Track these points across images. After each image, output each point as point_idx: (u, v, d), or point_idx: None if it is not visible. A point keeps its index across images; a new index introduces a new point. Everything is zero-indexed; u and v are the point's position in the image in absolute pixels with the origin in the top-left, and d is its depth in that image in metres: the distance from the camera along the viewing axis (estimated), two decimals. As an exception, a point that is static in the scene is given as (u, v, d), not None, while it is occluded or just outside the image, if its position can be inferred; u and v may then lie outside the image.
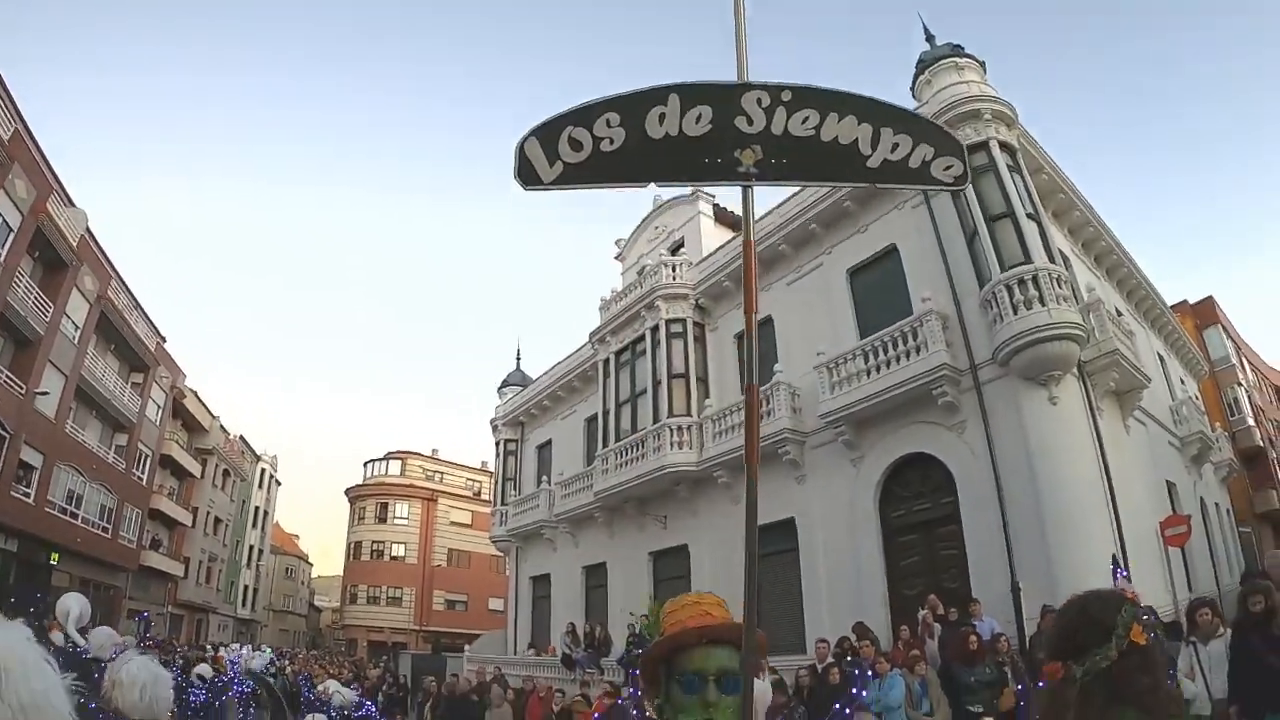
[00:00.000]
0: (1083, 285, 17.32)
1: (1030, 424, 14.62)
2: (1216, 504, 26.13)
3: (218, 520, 51.32)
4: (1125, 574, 4.34)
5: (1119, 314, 19.58)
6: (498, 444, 30.87)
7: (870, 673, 10.17)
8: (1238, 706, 7.49)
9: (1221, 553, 23.38)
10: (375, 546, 56.82)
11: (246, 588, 57.31)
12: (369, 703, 11.57)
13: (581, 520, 24.14)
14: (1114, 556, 4.69)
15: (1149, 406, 20.46)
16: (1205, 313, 37.21)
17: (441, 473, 60.20)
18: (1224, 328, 37.72)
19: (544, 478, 26.95)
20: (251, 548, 58.44)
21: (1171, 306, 27.64)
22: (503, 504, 29.49)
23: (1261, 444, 35.19)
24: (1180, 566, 17.85)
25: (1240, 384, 36.08)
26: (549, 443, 28.17)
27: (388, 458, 60.15)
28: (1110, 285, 21.21)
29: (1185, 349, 28.63)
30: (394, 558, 56.08)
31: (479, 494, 56.79)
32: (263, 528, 61.37)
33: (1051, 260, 15.08)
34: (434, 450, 61.78)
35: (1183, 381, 27.13)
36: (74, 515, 32.00)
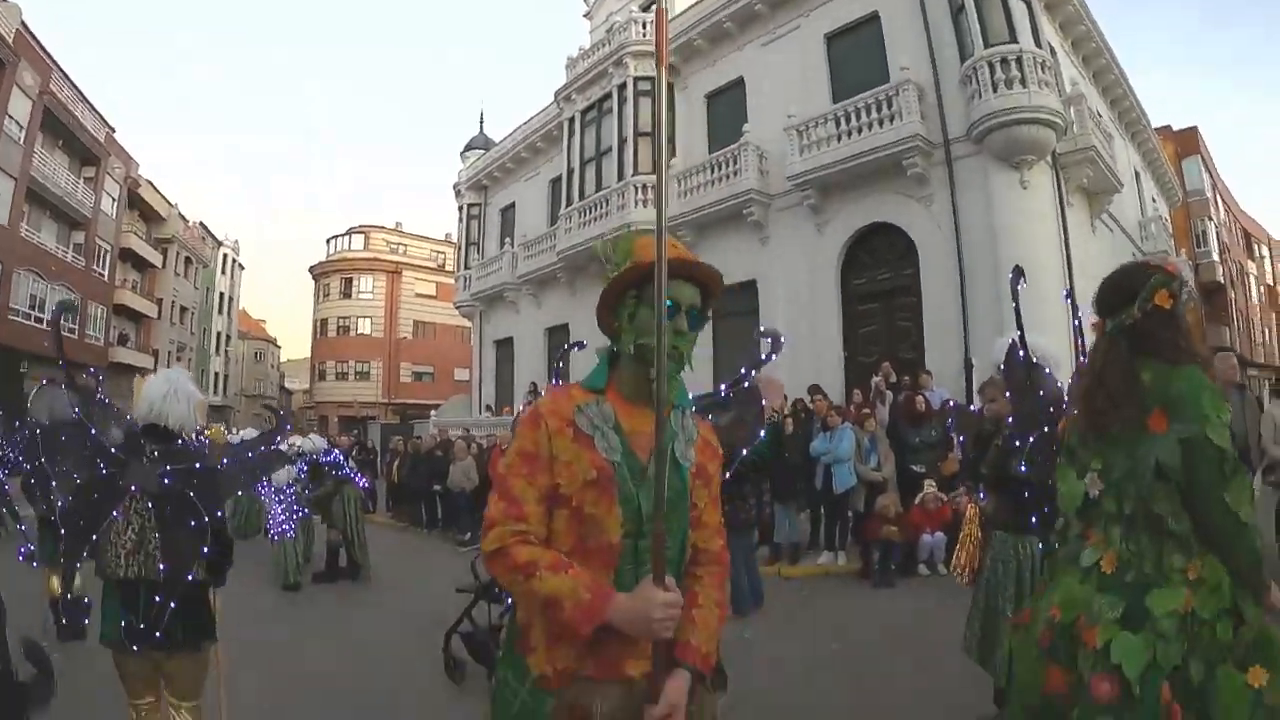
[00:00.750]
0: (1067, 80, 16.90)
1: (998, 205, 14.54)
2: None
3: (183, 309, 50.53)
4: (1077, 317, 4.27)
5: (1099, 116, 19.18)
6: (461, 209, 30.21)
7: (822, 426, 10.36)
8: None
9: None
10: (341, 322, 56.43)
11: (217, 375, 57.20)
12: (337, 451, 11.64)
13: (545, 281, 24.06)
14: (1066, 290, 4.62)
15: (1118, 214, 20.43)
16: (1187, 142, 36.76)
17: (405, 245, 59.31)
18: (1204, 160, 37.42)
19: (507, 240, 26.66)
20: (219, 334, 57.86)
21: (1155, 129, 27.19)
22: (465, 269, 29.21)
23: (1222, 281, 35.59)
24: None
25: (1211, 219, 36.16)
26: (512, 206, 27.63)
27: (350, 233, 58.97)
28: (1095, 90, 20.64)
29: (1162, 172, 28.32)
30: (360, 333, 55.84)
31: (443, 266, 55.94)
32: (229, 314, 60.53)
33: (1038, 46, 14.64)
34: (397, 223, 60.75)
35: (1154, 201, 26.99)
36: (39, 320, 31.25)
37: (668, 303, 1.94)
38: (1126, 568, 2.39)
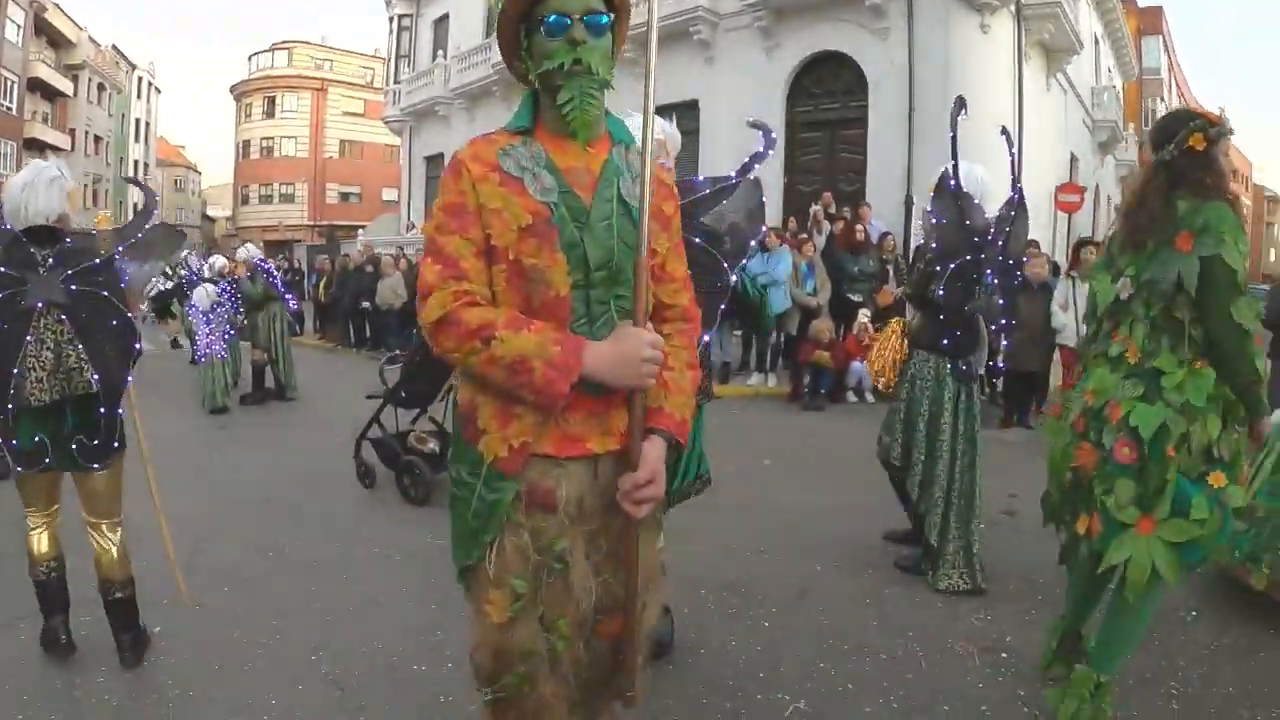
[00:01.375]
0: (1043, -68, 16.41)
1: (955, 46, 14.25)
2: (1109, 197, 26.82)
3: (97, 139, 47.91)
4: (1013, 151, 4.68)
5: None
6: (391, 20, 28.70)
7: (760, 247, 10.13)
8: None
9: (1101, 236, 24.23)
10: (265, 143, 54.38)
11: (135, 205, 54.66)
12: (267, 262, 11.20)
13: (478, 95, 23.06)
14: (1003, 127, 4.67)
15: (1073, 77, 20.37)
16: (1151, 19, 36.49)
17: (331, 61, 56.30)
18: (1165, 40, 37.33)
19: (440, 53, 25.42)
20: (137, 164, 54.58)
21: (1121, 1, 26.84)
22: (395, 83, 27.99)
23: (1164, 161, 35.89)
24: (1064, 233, 18.37)
25: (1163, 99, 36.24)
26: (446, 17, 26.03)
27: (273, 49, 56.02)
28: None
29: (1122, 45, 28.16)
30: (284, 154, 53.84)
31: (372, 82, 53.55)
32: (146, 141, 57.16)
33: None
34: (323, 38, 57.66)
35: (1110, 71, 26.87)
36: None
37: (550, 16, 1.75)
38: (1148, 358, 2.83)
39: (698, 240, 3.01)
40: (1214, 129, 2.86)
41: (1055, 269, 9.94)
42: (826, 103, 15.88)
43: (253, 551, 4.88)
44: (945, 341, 4.41)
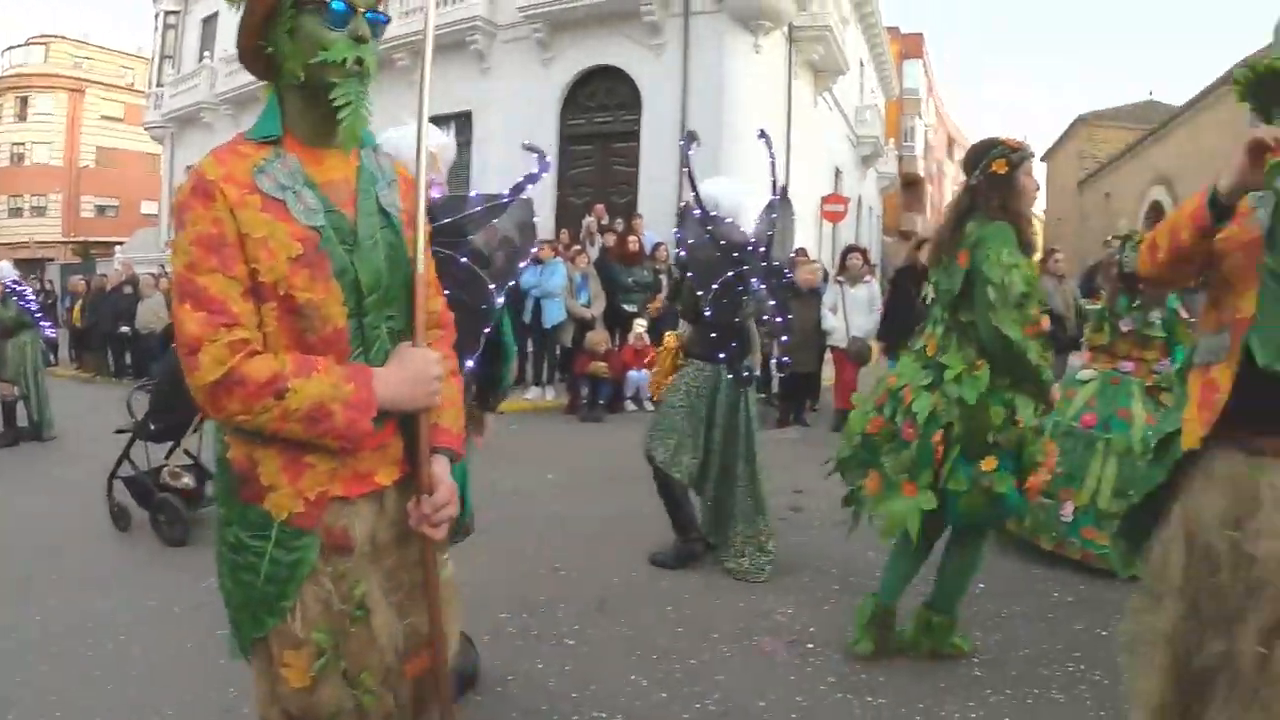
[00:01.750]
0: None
1: (729, 64, 14.79)
2: (870, 208, 28.63)
3: None
4: (771, 155, 4.97)
5: (840, 2, 19.90)
6: (157, 16, 26.78)
7: (533, 260, 10.06)
8: (886, 344, 8.33)
9: (864, 244, 25.64)
10: (15, 150, 49.48)
11: None
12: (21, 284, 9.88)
13: (246, 101, 21.66)
14: (761, 130, 4.94)
15: (839, 96, 21.49)
16: (912, 45, 39.28)
17: (91, 59, 52.47)
18: (924, 65, 40.28)
19: (207, 54, 24.03)
20: None
21: (886, 27, 28.70)
22: (158, 85, 26.18)
23: (922, 175, 38.97)
24: (829, 242, 19.34)
25: (920, 117, 39.07)
26: (215, 16, 24.46)
27: (29, 43, 51.62)
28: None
29: (885, 67, 30.07)
30: (37, 162, 49.30)
31: (133, 85, 50.20)
32: None
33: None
34: (85, 34, 53.59)
35: (873, 91, 28.65)
36: None
37: (336, 4, 1.55)
38: (940, 353, 3.35)
39: (465, 260, 2.95)
40: (1015, 154, 3.28)
41: (825, 275, 10.49)
42: (600, 116, 16.13)
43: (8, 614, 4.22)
44: (721, 355, 4.64)
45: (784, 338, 4.90)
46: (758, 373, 4.99)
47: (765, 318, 4.73)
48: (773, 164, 4.89)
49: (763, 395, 10.13)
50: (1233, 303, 2.12)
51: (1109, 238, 10.68)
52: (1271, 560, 1.95)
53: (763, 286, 4.67)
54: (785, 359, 6.04)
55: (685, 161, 4.77)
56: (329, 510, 1.60)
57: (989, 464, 3.18)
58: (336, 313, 1.58)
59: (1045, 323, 3.33)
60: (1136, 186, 26.91)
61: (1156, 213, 24.40)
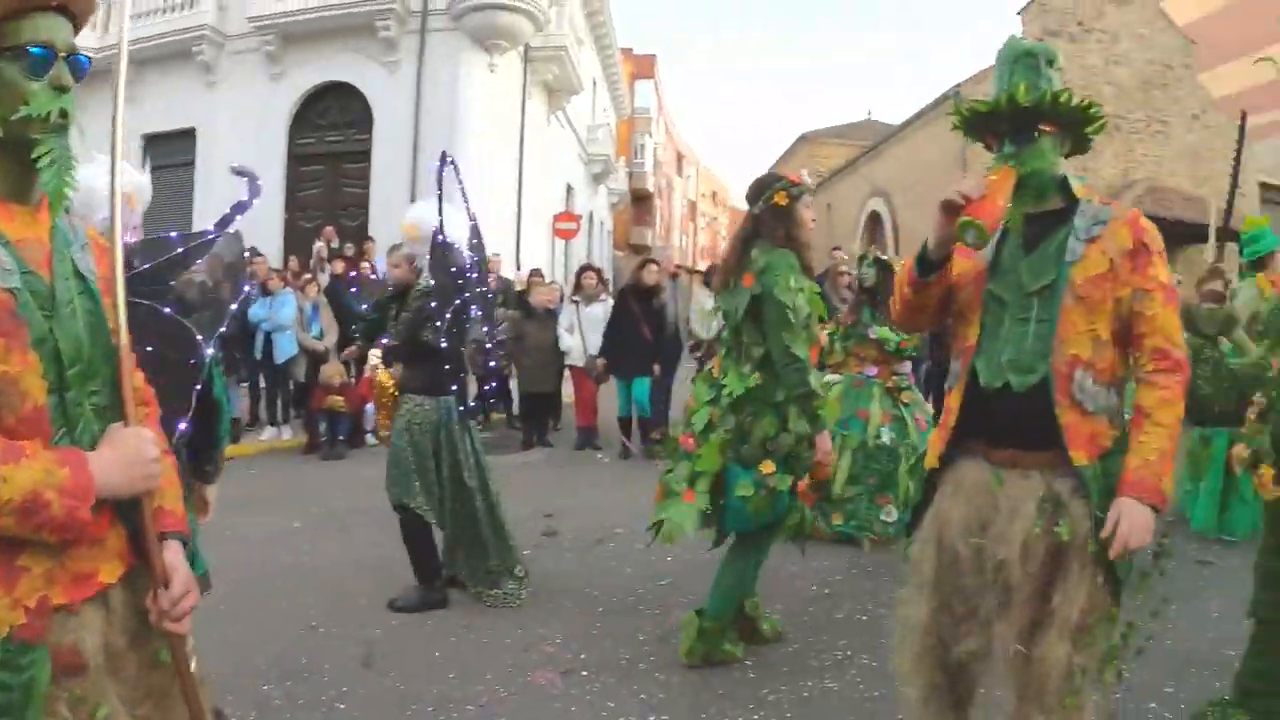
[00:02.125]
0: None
1: (464, 83, 14.85)
2: (602, 223, 29.47)
3: None
4: (460, 180, 4.77)
5: (575, 23, 20.33)
6: None
7: (262, 291, 9.49)
8: (605, 361, 8.59)
9: (596, 260, 26.35)
10: None
11: None
12: None
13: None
14: (444, 152, 4.88)
15: (572, 115, 21.98)
16: (645, 66, 40.67)
17: None
18: (656, 86, 41.79)
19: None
20: None
21: (620, 48, 29.62)
22: None
23: (652, 190, 40.42)
24: (562, 259, 19.82)
25: (650, 135, 40.48)
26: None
27: None
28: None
29: (618, 86, 31.03)
30: None
31: None
32: None
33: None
34: None
35: (606, 110, 29.46)
36: None
37: (35, 48, 1.37)
38: (723, 373, 3.69)
39: (168, 310, 2.52)
40: (795, 188, 3.68)
41: (561, 295, 10.39)
42: (331, 135, 15.70)
43: None
44: (454, 387, 4.62)
45: (494, 363, 5.06)
46: (473, 402, 4.97)
47: (488, 346, 4.89)
48: (463, 191, 4.79)
49: (504, 419, 10.33)
50: (964, 331, 2.36)
51: (835, 248, 11.50)
52: (1013, 566, 2.14)
53: (480, 312, 4.78)
54: (495, 385, 5.99)
55: (439, 185, 4.68)
56: (53, 624, 1.37)
57: (767, 467, 3.49)
58: (36, 387, 1.37)
59: (824, 339, 3.82)
60: (856, 199, 28.88)
61: (875, 222, 26.53)
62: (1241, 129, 3.51)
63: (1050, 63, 2.28)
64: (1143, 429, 2.11)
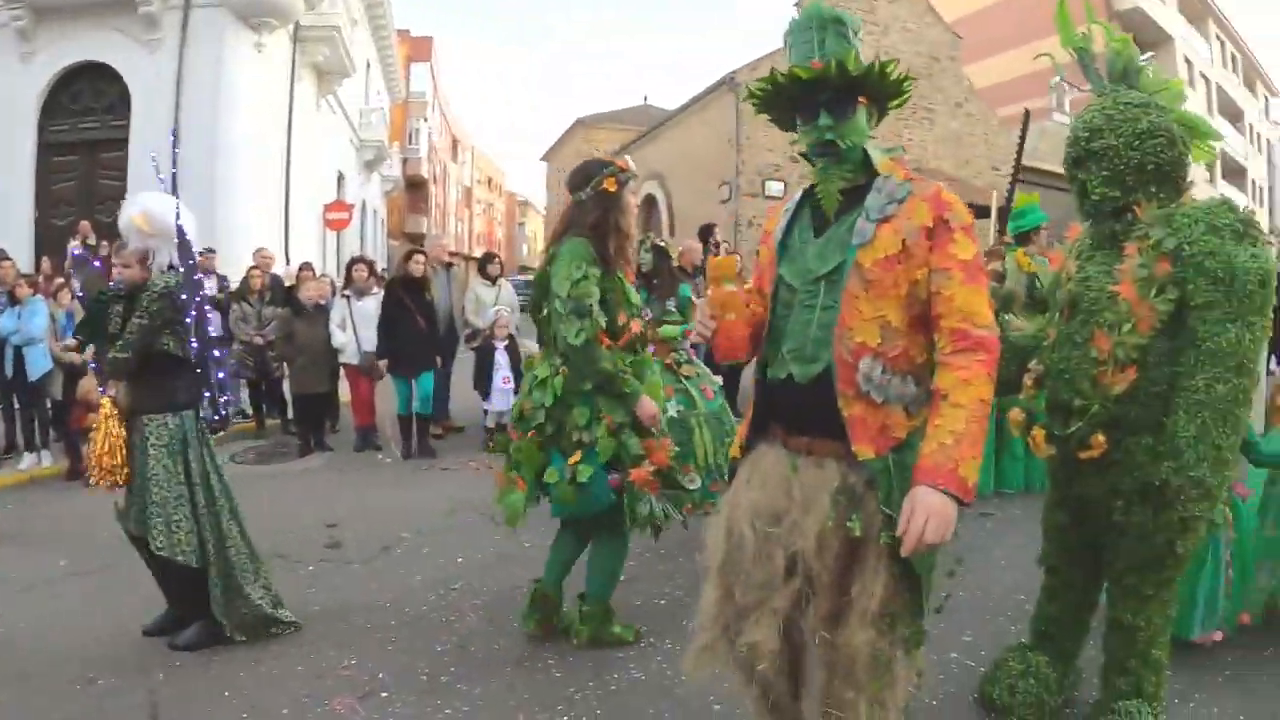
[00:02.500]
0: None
1: (230, 64, 14.32)
2: (375, 211, 28.82)
3: None
4: (163, 181, 4.40)
5: (348, 4, 19.86)
6: None
7: (10, 300, 8.38)
8: (387, 360, 8.38)
9: (370, 251, 25.81)
10: None
11: None
12: None
13: None
14: (173, 131, 4.37)
15: (344, 98, 21.44)
16: (421, 49, 40.25)
17: None
18: (432, 69, 41.20)
19: None
20: None
21: (397, 30, 29.03)
22: None
23: (426, 177, 39.86)
24: (334, 251, 19.34)
25: (426, 120, 39.92)
26: None
27: None
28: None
29: (392, 69, 30.40)
30: None
31: None
32: None
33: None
34: None
35: (379, 94, 28.82)
36: None
37: None
38: (540, 364, 3.80)
39: None
40: (623, 174, 3.73)
41: (333, 289, 10.00)
42: (86, 121, 14.59)
43: None
44: (207, 394, 4.23)
45: (222, 372, 4.44)
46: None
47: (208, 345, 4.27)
48: (174, 183, 4.40)
49: (279, 424, 9.95)
50: (763, 319, 2.34)
51: None
52: (810, 557, 2.10)
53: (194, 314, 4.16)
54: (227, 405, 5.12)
55: (173, 164, 4.37)
56: None
57: (575, 458, 3.58)
58: None
59: (636, 326, 3.79)
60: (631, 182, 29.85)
61: (650, 205, 27.11)
62: (1025, 122, 3.81)
63: (856, 32, 2.20)
64: (939, 412, 2.02)
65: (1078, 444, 2.84)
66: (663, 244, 7.04)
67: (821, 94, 2.15)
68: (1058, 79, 3.40)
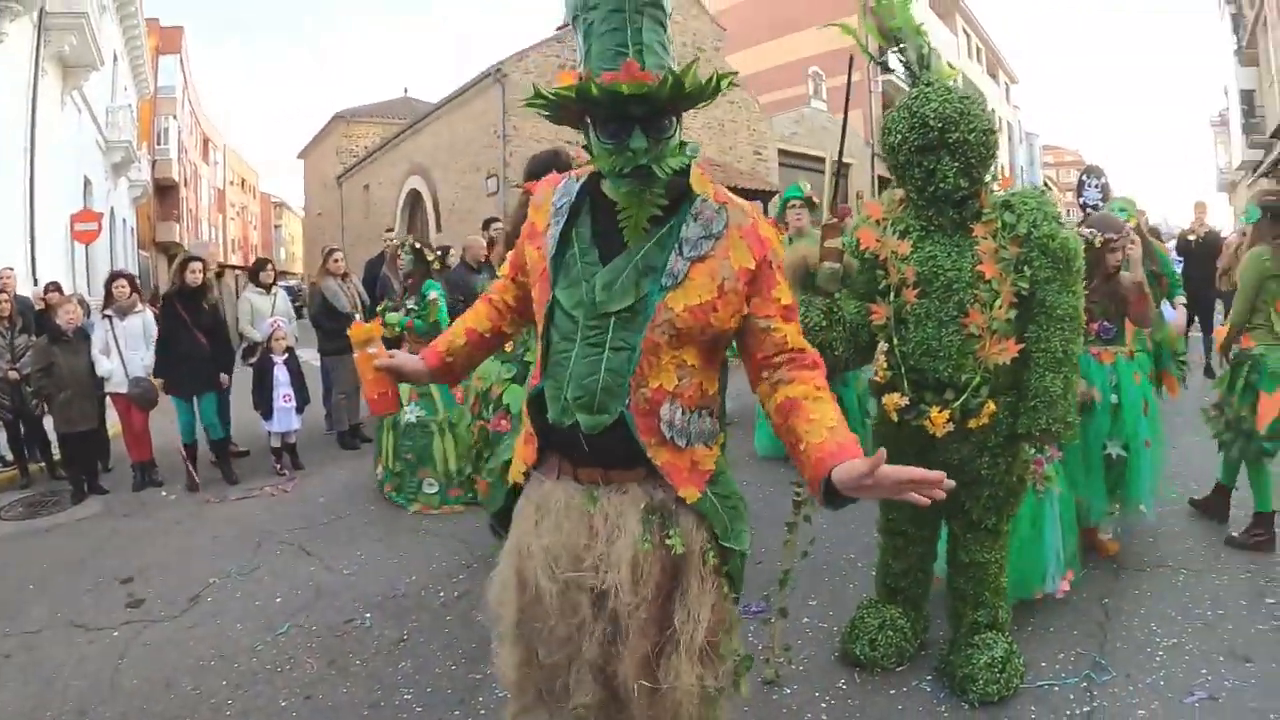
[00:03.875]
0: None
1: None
2: (125, 220, 27.02)
3: None
4: None
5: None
6: None
7: None
8: (164, 381, 7.82)
9: (121, 264, 24.12)
10: None
11: None
12: None
13: None
14: None
15: (90, 95, 20.05)
16: (172, 39, 37.95)
17: None
18: (182, 61, 38.96)
19: None
20: None
21: (147, 18, 27.37)
22: None
23: (177, 180, 37.52)
24: (83, 262, 18.03)
25: (175, 118, 37.65)
26: None
27: None
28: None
29: (140, 63, 28.62)
30: None
31: None
32: None
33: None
34: None
35: (126, 90, 27.06)
36: None
37: None
38: (524, 348, 4.19)
39: None
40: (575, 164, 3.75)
41: (88, 310, 9.20)
42: None
43: None
44: None
45: None
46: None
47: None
48: None
49: (42, 468, 8.81)
50: (499, 328, 2.35)
51: (388, 230, 11.57)
52: (623, 591, 1.92)
53: None
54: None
55: None
56: None
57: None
58: None
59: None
60: (395, 177, 29.28)
61: (415, 200, 27.04)
62: (844, 119, 4.03)
63: (668, 15, 1.92)
64: (806, 411, 1.87)
65: (965, 415, 3.20)
66: (419, 247, 7.34)
67: (638, 109, 1.80)
68: (848, 30, 3.50)
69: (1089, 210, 6.37)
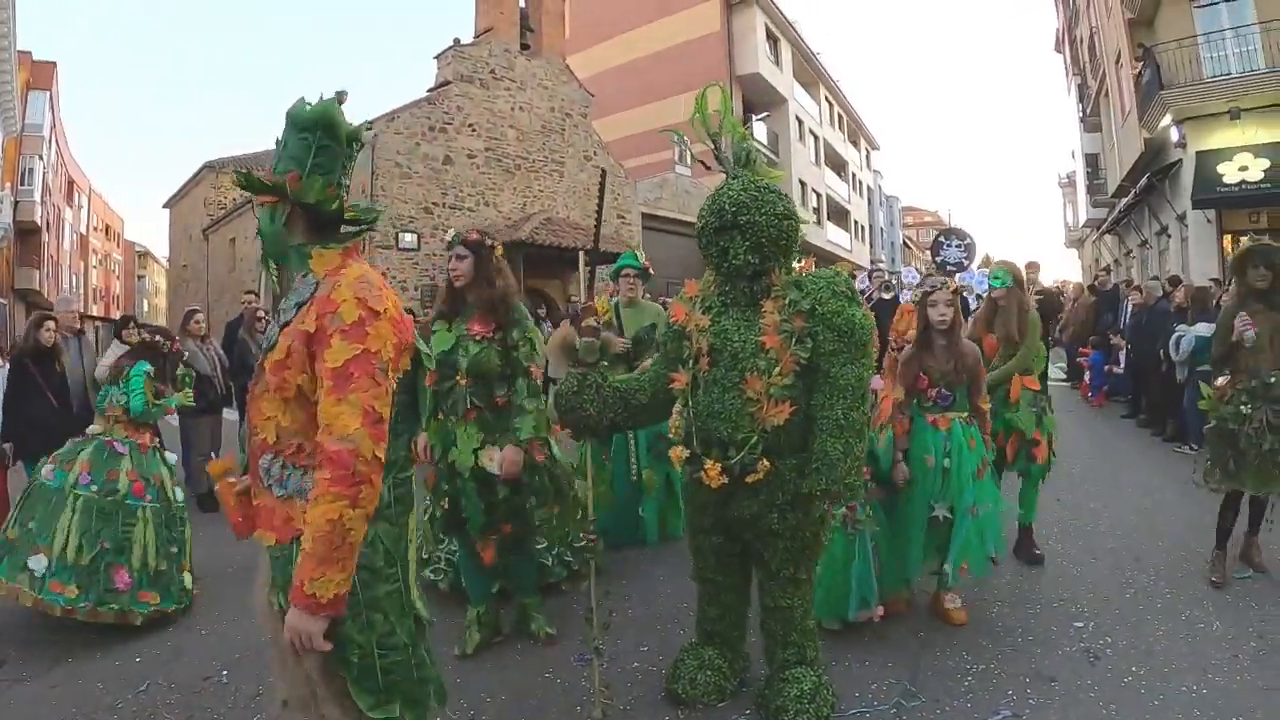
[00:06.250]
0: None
1: None
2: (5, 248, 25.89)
3: None
4: None
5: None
6: None
7: None
8: (13, 445, 7.09)
9: None
10: None
11: None
12: None
13: None
14: None
15: (-47, 134, 19.35)
16: (43, 75, 36.41)
17: None
18: (52, 98, 37.54)
19: None
20: None
21: (19, 51, 26.55)
22: None
23: (40, 223, 35.71)
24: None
25: (42, 158, 36.10)
26: None
27: None
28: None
29: (9, 99, 27.80)
30: None
31: None
32: None
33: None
34: None
35: (-5, 128, 26.13)
36: None
37: None
38: None
39: None
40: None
41: None
42: None
43: None
44: None
45: None
46: None
47: None
48: None
49: None
50: None
51: (247, 293, 10.62)
52: (271, 632, 2.27)
53: None
54: None
55: None
56: None
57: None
58: None
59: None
60: None
61: None
62: (601, 185, 4.36)
63: (332, 135, 2.35)
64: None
65: (743, 470, 3.50)
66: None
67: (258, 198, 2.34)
68: (678, 136, 4.19)
69: (949, 268, 6.68)
